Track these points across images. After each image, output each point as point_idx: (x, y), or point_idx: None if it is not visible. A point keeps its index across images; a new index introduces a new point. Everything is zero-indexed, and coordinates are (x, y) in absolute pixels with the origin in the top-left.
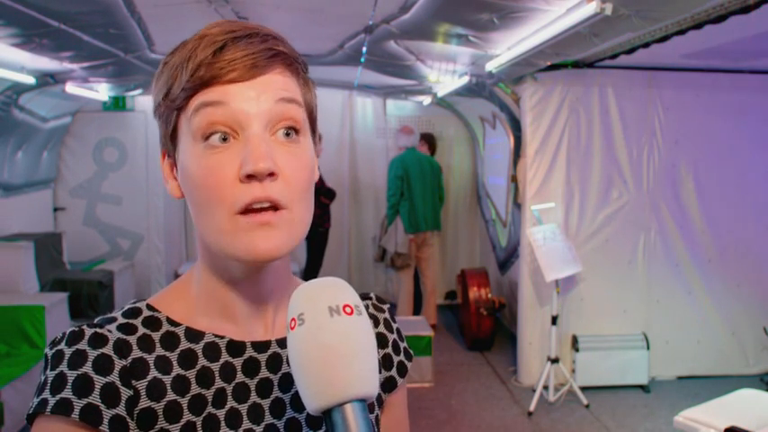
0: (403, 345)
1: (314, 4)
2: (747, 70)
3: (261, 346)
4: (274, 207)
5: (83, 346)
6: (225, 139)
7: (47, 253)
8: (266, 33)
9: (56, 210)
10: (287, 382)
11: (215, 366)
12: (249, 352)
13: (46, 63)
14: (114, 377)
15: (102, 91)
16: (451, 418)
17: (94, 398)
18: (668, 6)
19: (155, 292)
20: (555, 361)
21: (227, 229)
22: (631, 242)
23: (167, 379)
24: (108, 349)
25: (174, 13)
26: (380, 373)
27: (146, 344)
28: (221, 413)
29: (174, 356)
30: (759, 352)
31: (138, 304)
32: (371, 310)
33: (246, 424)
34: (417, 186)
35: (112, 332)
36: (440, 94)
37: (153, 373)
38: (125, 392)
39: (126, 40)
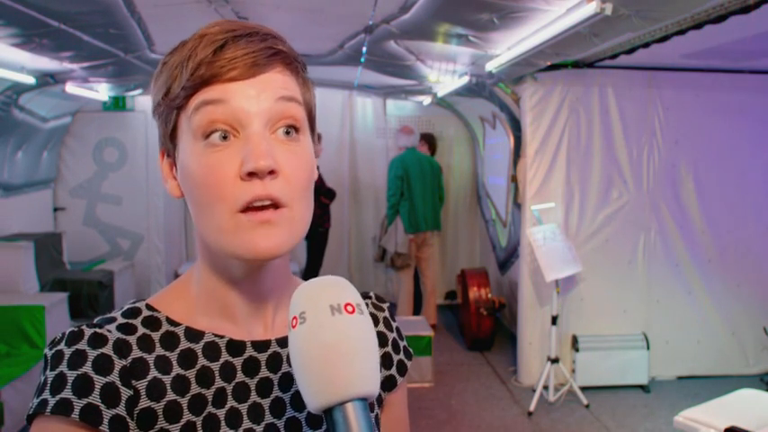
0: (403, 343)
1: (314, 4)
2: (747, 70)
3: (261, 346)
4: (275, 205)
5: (82, 346)
6: (225, 138)
7: (47, 253)
8: (266, 32)
9: (56, 210)
10: (287, 381)
11: (215, 366)
12: (249, 351)
13: (46, 63)
14: (114, 377)
15: (102, 91)
16: (451, 418)
17: (94, 398)
18: (668, 6)
19: (155, 292)
20: (555, 361)
21: (227, 228)
22: (631, 242)
23: (167, 379)
24: (108, 349)
25: (174, 13)
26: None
27: (145, 344)
28: (221, 413)
29: (173, 356)
30: (759, 352)
31: (137, 304)
32: (371, 309)
33: (247, 423)
34: (417, 186)
35: (112, 332)
36: (440, 94)
37: (153, 372)
38: (125, 392)
39: (126, 40)
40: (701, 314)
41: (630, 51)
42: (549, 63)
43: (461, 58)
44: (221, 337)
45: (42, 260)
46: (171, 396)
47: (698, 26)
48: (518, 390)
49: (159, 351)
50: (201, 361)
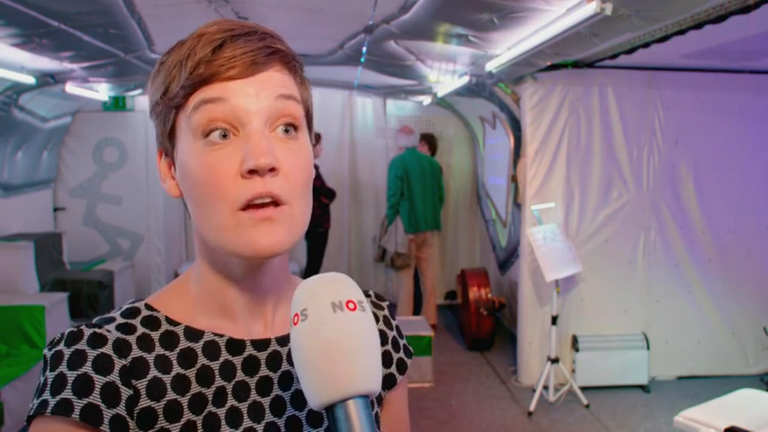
0: (402, 342)
1: (314, 4)
2: (747, 70)
3: (260, 345)
4: (275, 203)
5: (82, 346)
6: (225, 136)
7: (47, 253)
8: (264, 32)
9: (56, 210)
10: (287, 379)
11: (215, 365)
12: (249, 350)
13: (46, 63)
14: (114, 377)
15: (102, 91)
16: (451, 418)
17: (95, 398)
18: (668, 6)
19: (154, 292)
20: (555, 361)
21: (228, 226)
22: (631, 242)
23: (167, 378)
24: (107, 349)
25: (174, 13)
26: None
27: (145, 343)
28: (222, 412)
29: (173, 356)
30: (759, 352)
31: (136, 304)
32: (370, 307)
33: (247, 422)
34: (417, 186)
35: (111, 332)
36: (440, 94)
37: (153, 372)
38: (125, 392)
39: (126, 40)
40: (701, 314)
41: (630, 51)
42: (549, 63)
43: (461, 58)
44: (221, 336)
45: (42, 260)
46: (171, 395)
47: (698, 26)
48: (518, 390)
49: (159, 350)
50: (201, 360)
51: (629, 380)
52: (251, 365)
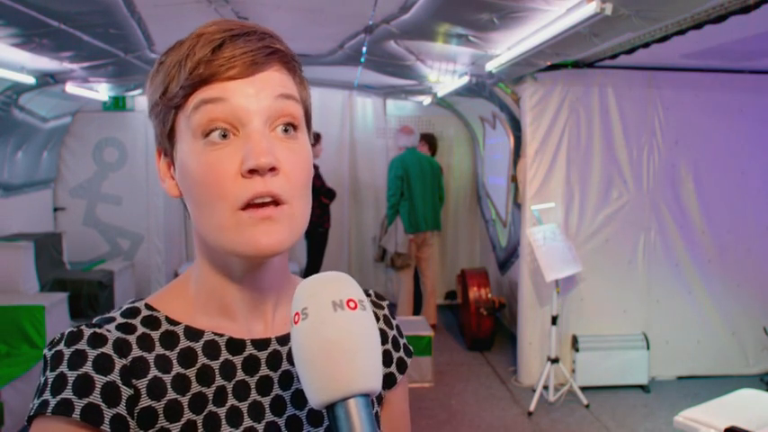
0: (402, 341)
1: (314, 4)
2: (747, 70)
3: (261, 344)
4: (275, 202)
5: (82, 346)
6: (224, 136)
7: (47, 253)
8: (263, 32)
9: (56, 210)
10: (287, 379)
11: (215, 364)
12: (249, 350)
13: (46, 63)
14: (115, 376)
15: (102, 91)
16: (451, 418)
17: (95, 397)
18: (668, 6)
19: (154, 292)
20: (555, 361)
21: (228, 225)
22: (631, 242)
23: (167, 378)
24: (108, 348)
25: (174, 13)
26: None
27: (145, 343)
28: (222, 411)
29: (173, 355)
30: (759, 352)
31: (136, 304)
32: (371, 306)
33: (247, 422)
34: (417, 186)
35: (111, 332)
36: (440, 94)
37: (153, 372)
38: (126, 391)
39: (126, 40)
40: (701, 314)
41: (630, 51)
42: (549, 63)
43: (461, 58)
44: (221, 335)
45: (42, 260)
46: (171, 395)
47: (698, 26)
48: (518, 390)
49: (159, 350)
50: (201, 360)
51: (629, 380)
52: (251, 365)
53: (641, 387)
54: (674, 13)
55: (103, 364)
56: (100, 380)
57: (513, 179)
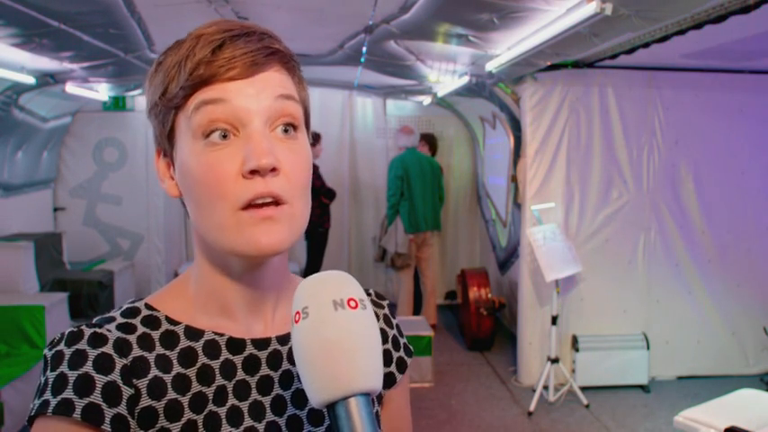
0: (403, 341)
1: (314, 4)
2: (747, 70)
3: (261, 344)
4: (276, 202)
5: (82, 345)
6: (225, 137)
7: (47, 253)
8: (262, 32)
9: (56, 210)
10: (287, 378)
11: (215, 364)
12: (249, 349)
13: (46, 63)
14: (115, 376)
15: (102, 91)
16: (451, 418)
17: (96, 397)
18: (668, 6)
19: (154, 292)
20: (555, 361)
21: (229, 225)
22: (631, 242)
23: (168, 378)
24: (108, 348)
25: (174, 13)
26: None
27: (146, 343)
28: (222, 411)
29: (173, 355)
30: (759, 352)
31: (136, 304)
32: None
33: (248, 421)
34: (417, 186)
35: (112, 331)
36: (440, 94)
37: (153, 371)
38: (126, 391)
39: (126, 40)
40: (701, 314)
41: (630, 51)
42: (549, 63)
43: (461, 58)
44: (221, 335)
45: (42, 260)
46: (172, 395)
47: (698, 26)
48: (518, 390)
49: (159, 350)
50: (202, 359)
51: (629, 380)
52: (251, 365)
53: (641, 387)
54: (674, 13)
55: (104, 364)
56: (100, 379)
57: (513, 179)
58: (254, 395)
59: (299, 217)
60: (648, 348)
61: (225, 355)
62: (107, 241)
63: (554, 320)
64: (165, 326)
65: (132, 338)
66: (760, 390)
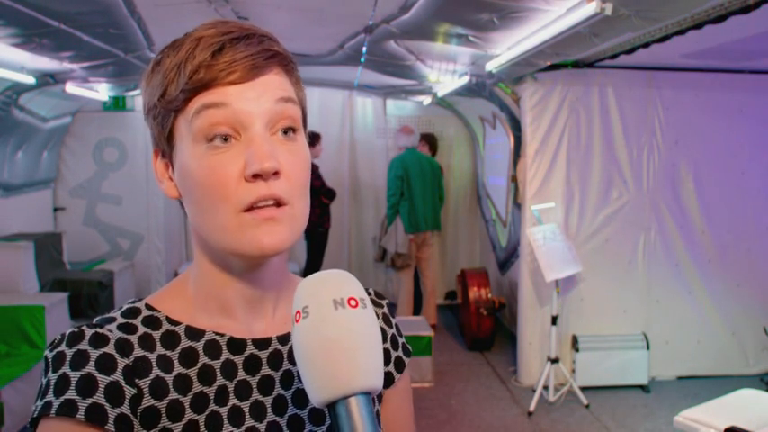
0: (401, 340)
1: (314, 4)
2: (747, 70)
3: (261, 344)
4: (277, 203)
5: (84, 346)
6: (226, 140)
7: (47, 253)
8: (262, 34)
9: (56, 210)
10: (288, 378)
11: (216, 364)
12: (250, 349)
13: (46, 63)
14: (118, 376)
15: (102, 91)
16: (451, 418)
17: (99, 397)
18: (668, 6)
19: (154, 292)
20: (555, 361)
21: (231, 226)
22: (631, 242)
23: (169, 378)
24: (110, 348)
25: (174, 13)
26: None
27: (147, 343)
28: (224, 411)
29: (174, 355)
30: (759, 352)
31: (136, 304)
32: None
33: (249, 421)
34: (417, 186)
35: (113, 332)
36: (440, 94)
37: (155, 371)
38: (129, 391)
39: (126, 40)
40: (701, 314)
41: (630, 51)
42: (549, 63)
43: (461, 58)
44: (222, 335)
45: (42, 260)
46: (173, 395)
47: (698, 26)
48: (518, 390)
49: (160, 350)
50: (203, 359)
51: (629, 380)
52: (252, 364)
53: (641, 387)
54: (674, 13)
55: (106, 364)
56: (103, 380)
57: (513, 179)
58: (255, 395)
59: (299, 217)
60: (648, 348)
61: (226, 355)
62: (107, 241)
63: (554, 320)
64: (165, 326)
65: (133, 339)
66: (760, 390)
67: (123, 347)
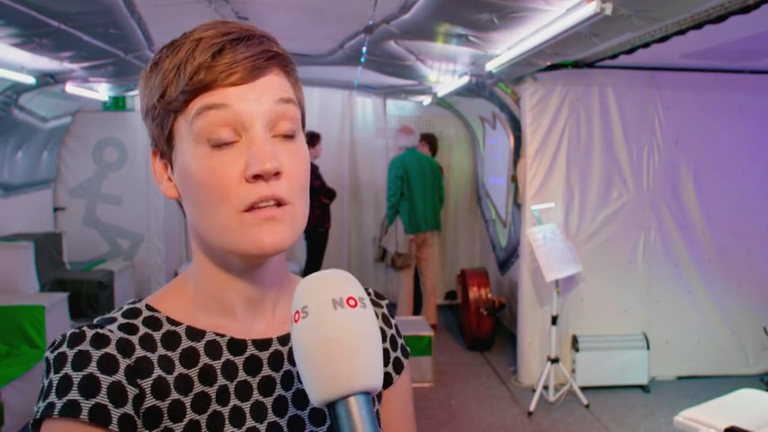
0: (400, 341)
1: (314, 4)
2: (747, 70)
3: (262, 344)
4: (278, 203)
5: (85, 346)
6: (227, 141)
7: (47, 253)
8: (261, 35)
9: (56, 210)
10: (289, 379)
11: (217, 364)
12: (250, 350)
13: (46, 63)
14: (120, 376)
15: (102, 91)
16: (451, 418)
17: (102, 397)
18: (668, 6)
19: (154, 292)
20: (555, 361)
21: (232, 226)
22: (631, 242)
23: (170, 378)
24: (111, 349)
25: (174, 13)
26: None
27: (148, 343)
28: (225, 411)
29: (175, 356)
30: (759, 352)
31: (137, 304)
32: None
33: (250, 422)
34: (417, 186)
35: (114, 332)
36: (440, 94)
37: (157, 371)
38: (131, 391)
39: (126, 40)
40: (701, 314)
41: (630, 51)
42: (549, 63)
43: (461, 58)
44: (222, 335)
45: (42, 260)
46: (175, 395)
47: (698, 26)
48: (518, 390)
49: (161, 350)
50: (203, 359)
51: (629, 380)
52: (253, 365)
53: (641, 387)
54: (674, 13)
55: (108, 365)
56: (105, 380)
57: (513, 179)
58: (256, 396)
59: (299, 216)
60: (648, 348)
61: (226, 355)
62: (107, 241)
63: (554, 320)
64: (166, 326)
65: (134, 339)
66: (760, 390)
67: (124, 348)
